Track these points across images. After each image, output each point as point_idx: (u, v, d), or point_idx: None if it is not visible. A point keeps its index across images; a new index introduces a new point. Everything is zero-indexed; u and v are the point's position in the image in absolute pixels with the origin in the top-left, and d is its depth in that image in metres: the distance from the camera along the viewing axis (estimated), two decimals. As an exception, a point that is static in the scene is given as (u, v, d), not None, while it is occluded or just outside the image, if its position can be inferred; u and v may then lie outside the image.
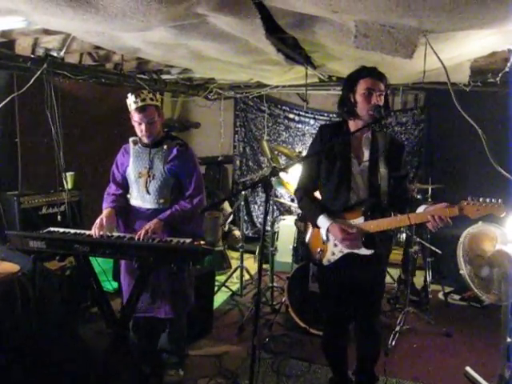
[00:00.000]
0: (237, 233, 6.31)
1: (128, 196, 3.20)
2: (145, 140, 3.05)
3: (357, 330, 2.91)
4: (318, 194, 2.81)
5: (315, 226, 2.70)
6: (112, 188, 3.22)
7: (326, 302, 2.92)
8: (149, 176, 3.04)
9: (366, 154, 2.60)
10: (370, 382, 3.00)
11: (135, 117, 2.97)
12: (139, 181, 3.07)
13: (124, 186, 3.21)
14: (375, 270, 2.70)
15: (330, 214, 2.61)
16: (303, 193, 2.77)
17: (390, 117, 2.63)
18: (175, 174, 3.05)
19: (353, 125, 2.61)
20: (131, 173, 3.12)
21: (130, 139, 3.14)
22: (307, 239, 2.87)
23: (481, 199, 2.29)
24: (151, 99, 2.95)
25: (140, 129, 2.99)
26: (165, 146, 3.06)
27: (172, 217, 2.96)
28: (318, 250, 2.72)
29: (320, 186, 2.74)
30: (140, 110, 2.93)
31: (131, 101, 2.94)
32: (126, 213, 3.15)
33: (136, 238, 2.77)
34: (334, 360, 3.02)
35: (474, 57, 3.38)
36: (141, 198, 3.10)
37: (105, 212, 3.02)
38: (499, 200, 2.27)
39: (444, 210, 2.36)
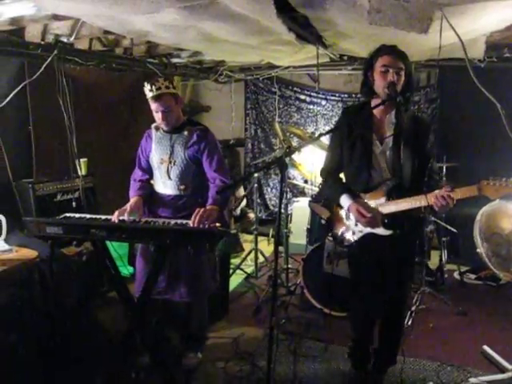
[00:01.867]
0: (251, 215, 6.31)
1: (152, 182, 3.21)
2: (164, 128, 3.04)
3: (383, 310, 2.89)
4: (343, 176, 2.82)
5: (338, 205, 2.73)
6: (138, 174, 3.23)
7: (355, 282, 2.92)
8: (170, 162, 3.03)
9: (389, 134, 2.57)
10: (389, 363, 3.02)
11: (152, 105, 2.95)
12: (161, 167, 3.07)
13: (149, 171, 3.21)
14: (401, 252, 2.67)
15: (352, 194, 2.62)
16: (328, 174, 2.80)
17: (412, 96, 2.58)
18: (196, 159, 3.04)
19: (374, 104, 2.57)
20: (154, 159, 3.12)
21: (153, 125, 3.13)
22: (332, 220, 2.86)
23: (503, 179, 2.24)
24: (167, 87, 2.91)
25: (157, 117, 2.98)
26: (185, 132, 3.05)
27: (217, 201, 2.93)
28: (341, 230, 2.75)
29: (344, 167, 2.74)
30: (156, 98, 2.90)
31: (147, 89, 2.92)
32: (151, 199, 3.16)
33: (191, 224, 2.70)
34: (360, 335, 3.01)
35: (489, 31, 3.30)
36: (163, 184, 3.10)
37: (132, 200, 3.03)
38: None
39: (463, 191, 2.33)
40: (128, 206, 2.93)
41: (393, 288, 2.76)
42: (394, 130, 2.56)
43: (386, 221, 2.55)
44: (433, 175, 2.63)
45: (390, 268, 2.68)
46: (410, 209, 2.48)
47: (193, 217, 2.69)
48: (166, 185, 3.09)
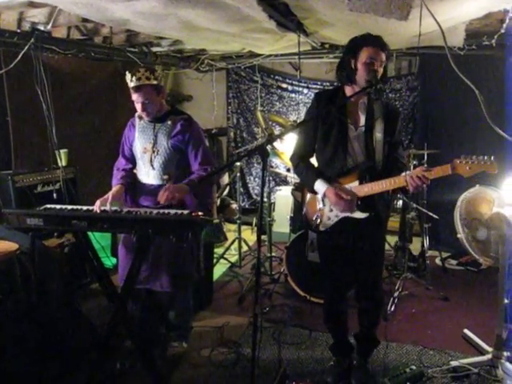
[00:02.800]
0: (234, 205, 6.32)
1: (135, 171, 3.19)
2: (144, 118, 3.02)
3: (358, 294, 2.94)
4: (314, 161, 2.81)
5: (312, 191, 2.73)
6: (121, 162, 3.20)
7: (327, 268, 2.94)
8: (153, 151, 3.01)
9: (362, 119, 2.61)
10: (372, 346, 3.05)
11: (132, 96, 2.92)
12: (144, 156, 3.05)
13: (132, 159, 3.19)
14: (374, 234, 2.71)
15: (326, 178, 2.63)
16: (299, 159, 2.78)
17: (385, 84, 2.61)
18: (180, 149, 3.02)
19: (350, 90, 2.60)
20: (137, 148, 3.10)
21: (136, 114, 3.10)
22: (304, 206, 2.88)
23: (474, 157, 2.30)
24: (147, 78, 2.86)
25: (138, 107, 2.96)
26: (169, 121, 3.02)
27: (192, 181, 2.93)
28: (315, 216, 2.76)
29: (316, 152, 2.74)
30: (135, 89, 2.87)
31: (128, 79, 2.88)
32: (133, 188, 3.14)
33: (160, 200, 2.77)
34: (335, 325, 3.05)
35: (469, 19, 3.32)
36: (146, 174, 3.08)
37: (114, 189, 3.01)
38: (492, 157, 2.28)
39: (437, 170, 2.38)
40: (110, 195, 2.90)
41: (367, 269, 2.79)
42: (367, 115, 2.60)
43: (359, 203, 2.58)
44: (400, 159, 2.69)
45: (364, 250, 2.70)
46: (384, 191, 2.53)
47: (160, 193, 2.78)
48: (149, 174, 3.07)
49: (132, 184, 3.13)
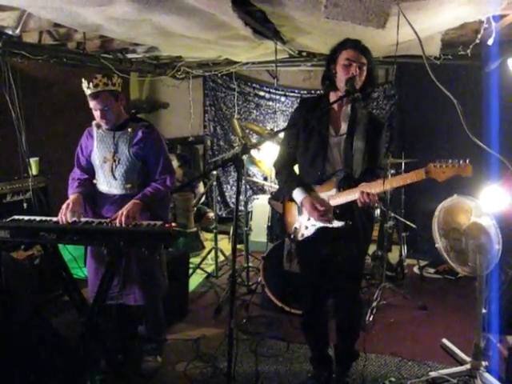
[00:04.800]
0: (210, 214, 6.25)
1: (94, 181, 3.08)
2: (103, 126, 2.94)
3: (336, 307, 2.89)
4: (297, 169, 2.80)
5: (290, 199, 2.70)
6: (77, 173, 3.09)
7: (305, 278, 2.91)
8: (114, 161, 2.93)
9: (344, 127, 2.59)
10: (351, 358, 3.00)
11: (90, 103, 2.84)
12: (104, 166, 2.96)
13: (89, 170, 3.08)
14: (352, 244, 2.64)
15: (305, 187, 2.61)
16: (281, 166, 2.76)
17: (373, 91, 2.60)
18: (141, 157, 2.95)
19: (334, 97, 2.58)
20: (96, 157, 3.00)
21: (93, 122, 3.00)
22: (283, 215, 2.85)
23: (449, 160, 2.29)
24: (105, 84, 2.79)
25: (96, 115, 2.87)
26: (129, 129, 2.95)
27: (146, 197, 2.85)
28: (294, 226, 2.74)
29: (298, 158, 2.71)
30: (93, 96, 2.79)
31: (84, 86, 2.80)
32: (92, 198, 3.04)
33: (116, 222, 2.64)
34: (313, 337, 3.01)
35: (445, 28, 3.33)
36: (107, 184, 2.99)
37: (71, 197, 2.88)
38: (467, 160, 2.27)
39: (410, 175, 2.37)
40: (70, 203, 2.79)
41: (345, 280, 2.74)
42: (349, 123, 2.57)
43: (337, 211, 2.56)
44: (376, 170, 2.65)
45: (341, 260, 2.65)
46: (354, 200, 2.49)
47: (117, 220, 2.65)
48: (110, 184, 2.98)
49: (90, 194, 3.03)
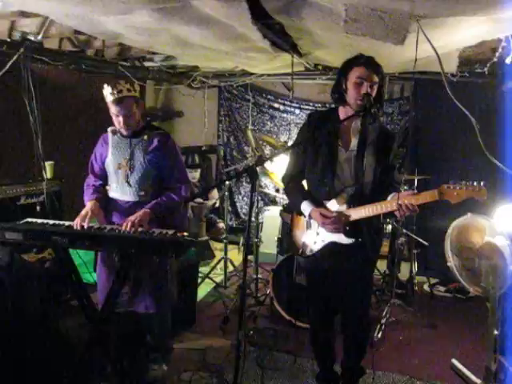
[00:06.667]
0: (221, 224, 6.26)
1: (107, 187, 3.10)
2: (123, 132, 2.95)
3: (344, 323, 2.86)
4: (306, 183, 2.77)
5: (299, 212, 2.68)
6: (91, 179, 3.12)
7: (312, 293, 2.88)
8: (129, 167, 2.94)
9: (354, 143, 2.56)
10: (358, 375, 2.96)
11: (112, 109, 2.86)
12: (119, 172, 2.98)
13: (102, 177, 3.10)
14: (360, 261, 2.62)
15: (314, 200, 2.58)
16: (290, 180, 2.75)
17: (381, 108, 2.56)
18: (156, 165, 2.96)
19: (343, 112, 2.56)
20: (110, 164, 3.01)
21: (109, 129, 3.03)
22: (292, 230, 2.83)
23: (463, 182, 2.25)
24: (128, 90, 2.82)
25: (118, 121, 2.89)
26: (145, 137, 2.97)
27: (159, 206, 2.87)
28: (302, 240, 2.72)
29: (306, 173, 2.70)
30: (117, 102, 2.81)
31: (107, 92, 2.81)
32: (105, 205, 3.05)
33: (122, 229, 2.66)
34: (320, 353, 2.98)
35: (463, 46, 3.32)
36: (120, 190, 3.00)
37: (89, 204, 2.92)
38: (482, 183, 2.22)
39: (423, 195, 2.32)
40: (89, 211, 2.82)
41: (353, 297, 2.71)
42: (359, 138, 2.55)
43: (347, 228, 2.52)
44: (394, 184, 2.61)
45: (349, 276, 2.63)
46: (372, 216, 2.46)
47: (123, 226, 2.68)
48: (124, 191, 2.99)
49: (104, 200, 3.05)
